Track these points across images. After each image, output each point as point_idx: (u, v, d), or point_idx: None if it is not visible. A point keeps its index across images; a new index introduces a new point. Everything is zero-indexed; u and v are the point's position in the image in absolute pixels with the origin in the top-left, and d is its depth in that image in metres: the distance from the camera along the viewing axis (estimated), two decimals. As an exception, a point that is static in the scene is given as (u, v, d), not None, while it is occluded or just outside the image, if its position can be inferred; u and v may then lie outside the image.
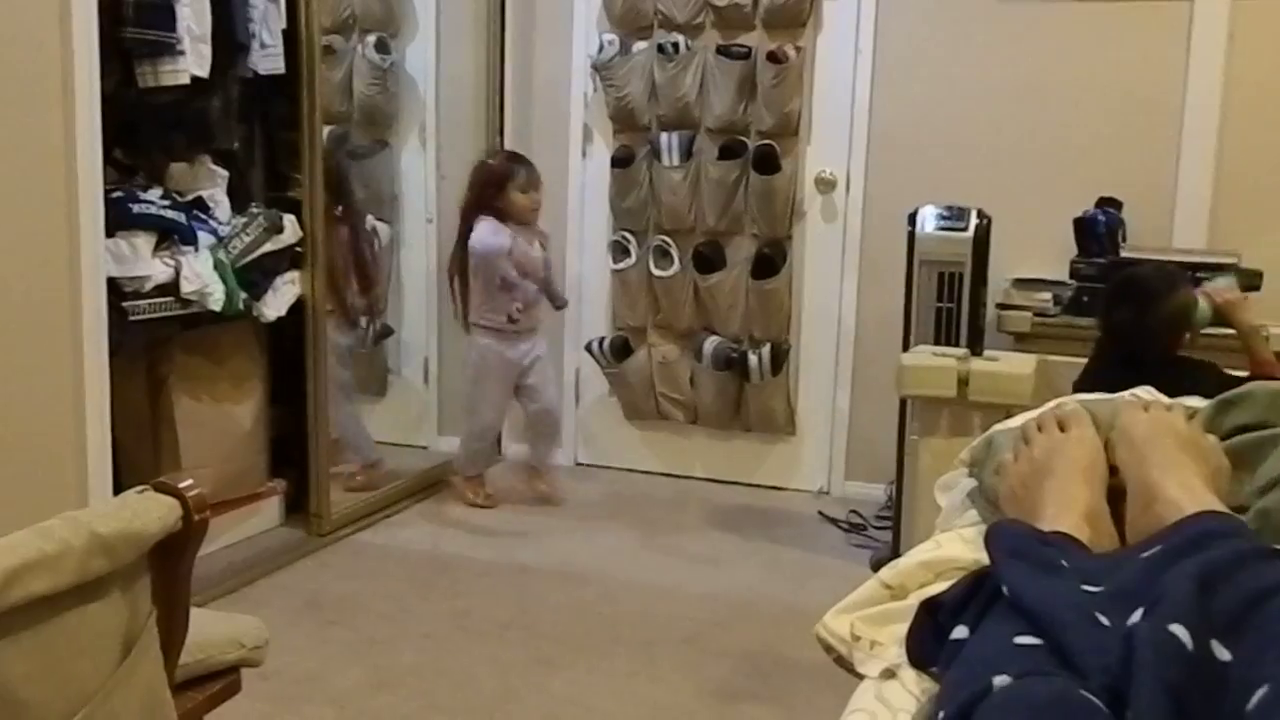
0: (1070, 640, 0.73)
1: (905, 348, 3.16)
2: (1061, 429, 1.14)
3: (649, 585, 3.24)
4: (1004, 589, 0.81)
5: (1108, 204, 3.43)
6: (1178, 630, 0.68)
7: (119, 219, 2.80)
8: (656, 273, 4.15)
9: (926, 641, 0.90)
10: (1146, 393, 1.27)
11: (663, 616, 3.02)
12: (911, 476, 2.29)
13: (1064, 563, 0.85)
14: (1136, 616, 0.72)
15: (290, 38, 3.24)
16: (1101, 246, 3.27)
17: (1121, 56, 3.65)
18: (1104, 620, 0.74)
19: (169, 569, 1.37)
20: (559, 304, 4.02)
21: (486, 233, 3.68)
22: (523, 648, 2.80)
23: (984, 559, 0.95)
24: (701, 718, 2.51)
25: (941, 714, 0.74)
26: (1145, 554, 0.83)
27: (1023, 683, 0.70)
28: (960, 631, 0.85)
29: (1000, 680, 0.71)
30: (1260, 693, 0.65)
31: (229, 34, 3.04)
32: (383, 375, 4.51)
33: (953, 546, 1.08)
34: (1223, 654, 0.69)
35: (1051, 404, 1.24)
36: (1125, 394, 1.26)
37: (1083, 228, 3.35)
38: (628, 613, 3.05)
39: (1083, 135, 3.68)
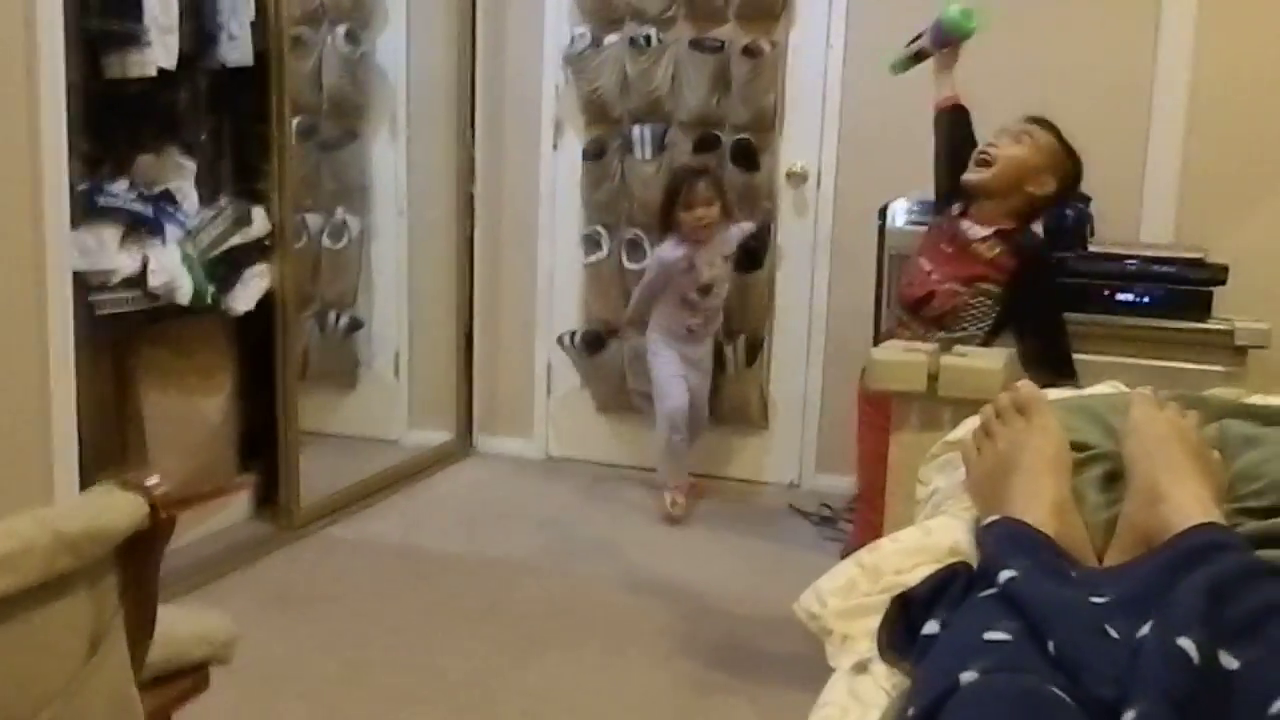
0: (1082, 654, 0.72)
1: (875, 341, 3.17)
2: (1021, 413, 1.14)
3: (620, 578, 3.24)
4: (1007, 592, 0.80)
5: (1076, 198, 3.44)
6: (1185, 644, 0.69)
7: (85, 211, 2.77)
8: (629, 266, 4.14)
9: (899, 636, 0.91)
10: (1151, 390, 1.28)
11: (634, 609, 3.02)
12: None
13: (1073, 572, 0.85)
14: (1145, 630, 0.72)
15: (259, 29, 3.21)
16: (1070, 241, 3.29)
17: (1089, 49, 3.67)
18: (1113, 633, 0.74)
19: (136, 567, 1.36)
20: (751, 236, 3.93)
21: (663, 251, 3.75)
22: (494, 640, 2.79)
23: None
24: (673, 709, 2.51)
25: (911, 711, 0.74)
26: (1152, 563, 0.83)
27: (990, 678, 0.70)
28: (932, 626, 0.86)
29: (968, 676, 0.71)
30: None
31: (197, 25, 3.01)
32: (352, 368, 4.49)
33: (945, 534, 1.08)
34: (1230, 663, 0.69)
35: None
36: (1139, 389, 1.26)
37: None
38: (599, 605, 3.05)
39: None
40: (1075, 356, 2.65)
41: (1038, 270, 2.64)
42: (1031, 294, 2.60)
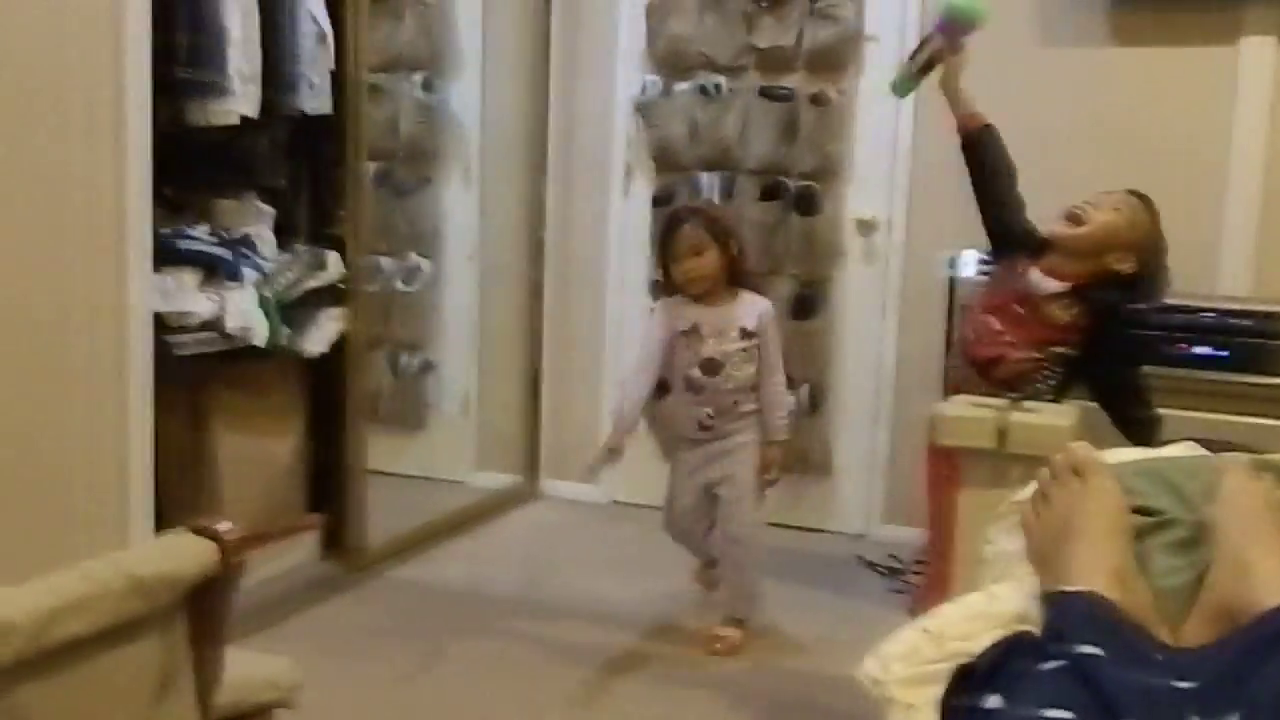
0: None
1: (944, 393, 3.14)
2: (1077, 475, 1.11)
3: (682, 626, 3.22)
4: (1083, 670, 0.78)
5: (1146, 295, 3.39)
6: None
7: (166, 254, 2.85)
8: (695, 312, 4.14)
9: (960, 711, 0.89)
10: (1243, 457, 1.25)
11: (696, 659, 3.00)
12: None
13: (1156, 655, 0.82)
14: None
15: (338, 78, 3.29)
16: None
17: (1165, 103, 3.62)
18: None
19: (205, 612, 1.38)
20: (772, 436, 3.03)
21: (657, 312, 3.06)
22: (557, 689, 2.79)
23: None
24: (734, 765, 2.48)
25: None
26: (1239, 645, 0.81)
27: None
28: (994, 701, 0.84)
29: None
30: None
31: (278, 74, 3.09)
32: (422, 409, 4.54)
33: (1010, 600, 1.06)
34: None
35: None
36: (1232, 455, 1.24)
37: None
38: (662, 655, 3.03)
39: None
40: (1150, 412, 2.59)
41: (1117, 329, 2.58)
42: (1110, 354, 2.53)
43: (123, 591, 1.23)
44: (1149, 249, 2.54)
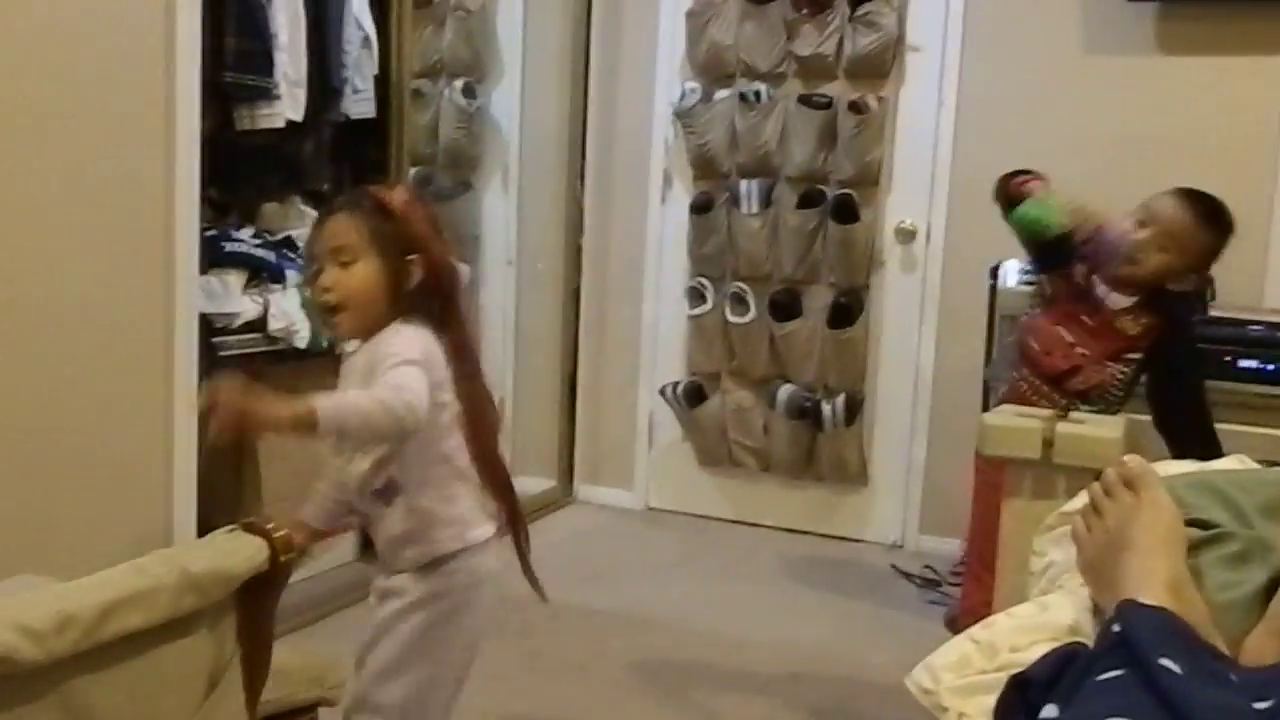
0: None
1: (985, 403, 3.12)
2: (1130, 488, 1.11)
3: (719, 634, 3.22)
4: (1160, 686, 0.76)
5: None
6: None
7: (212, 256, 2.89)
8: (732, 319, 4.15)
9: (1014, 718, 0.89)
10: None
11: (733, 667, 3.00)
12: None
13: (1232, 675, 0.81)
14: None
15: (381, 82, 3.32)
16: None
17: (1212, 113, 3.59)
18: None
19: (255, 608, 1.40)
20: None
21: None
22: (592, 693, 2.79)
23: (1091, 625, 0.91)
24: (770, 773, 2.48)
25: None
26: None
27: None
28: (1050, 711, 0.84)
29: None
30: None
31: (323, 79, 3.12)
32: (458, 414, 4.55)
33: (1062, 611, 1.05)
34: None
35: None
36: None
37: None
38: (697, 662, 3.03)
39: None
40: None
41: (1181, 338, 2.55)
42: (1173, 365, 2.51)
43: (176, 587, 1.25)
44: (1205, 263, 2.50)
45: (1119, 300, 2.50)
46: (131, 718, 1.23)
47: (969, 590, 2.74)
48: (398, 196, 1.78)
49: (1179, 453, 2.20)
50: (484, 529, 1.81)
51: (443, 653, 1.77)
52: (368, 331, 1.74)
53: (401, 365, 1.63)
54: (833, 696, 2.86)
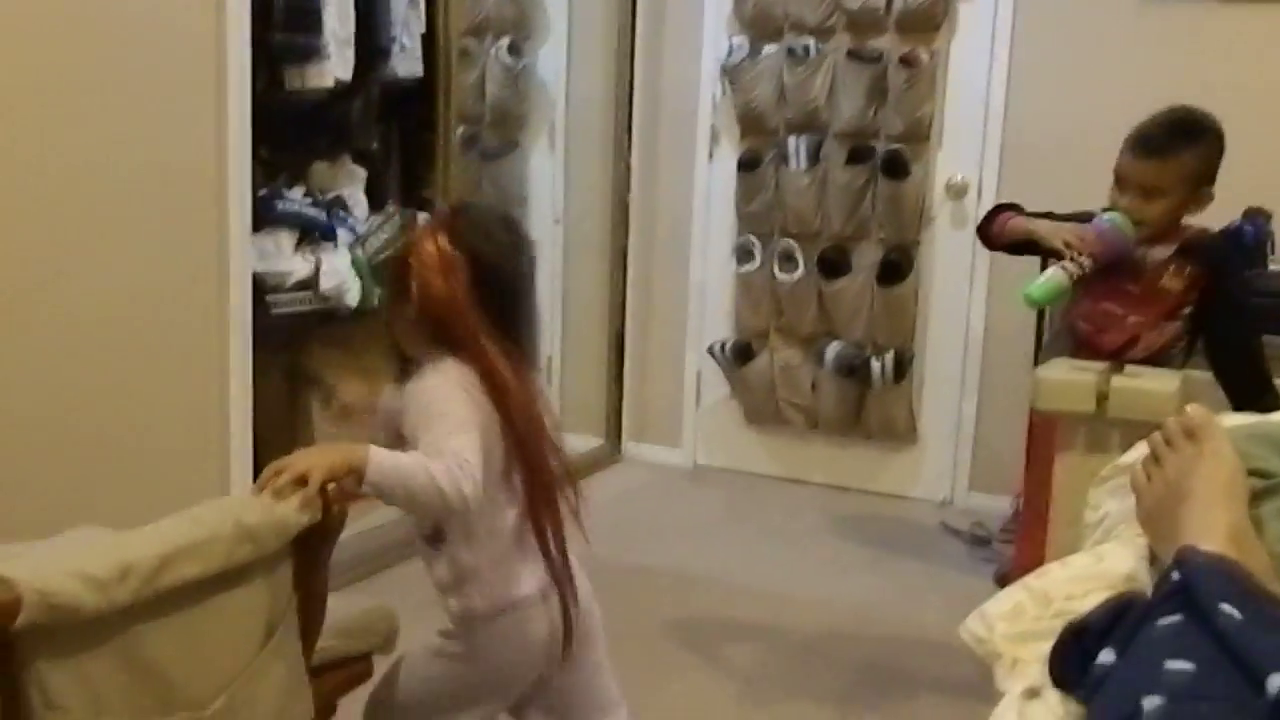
0: None
1: (1036, 359, 3.08)
2: (1190, 438, 1.09)
3: (765, 592, 3.22)
4: (1220, 631, 0.75)
5: (1256, 214, 3.29)
6: None
7: (264, 216, 2.91)
8: (780, 277, 4.12)
9: (1071, 664, 0.88)
10: None
11: (779, 625, 3.00)
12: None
13: None
14: None
15: (428, 41, 3.31)
16: (1249, 260, 3.14)
17: (1270, 60, 3.49)
18: None
19: (309, 558, 1.42)
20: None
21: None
22: (638, 650, 2.81)
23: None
24: (819, 727, 2.49)
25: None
26: None
27: (1178, 704, 0.67)
28: (1107, 655, 0.83)
29: (1150, 702, 0.68)
30: None
31: (371, 38, 3.12)
32: (506, 373, 4.57)
33: (1118, 560, 1.04)
34: None
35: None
36: None
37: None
38: (745, 619, 3.04)
39: (1230, 142, 3.53)
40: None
41: (1227, 285, 2.46)
42: (1222, 313, 2.42)
43: (232, 537, 1.27)
44: (1204, 177, 2.36)
45: (1159, 253, 2.43)
46: (190, 665, 1.26)
47: (1022, 548, 2.72)
48: (421, 229, 1.70)
49: (1237, 404, 2.16)
50: (528, 592, 1.66)
51: (470, 703, 1.69)
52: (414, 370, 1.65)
53: (457, 433, 1.52)
54: (880, 654, 2.86)
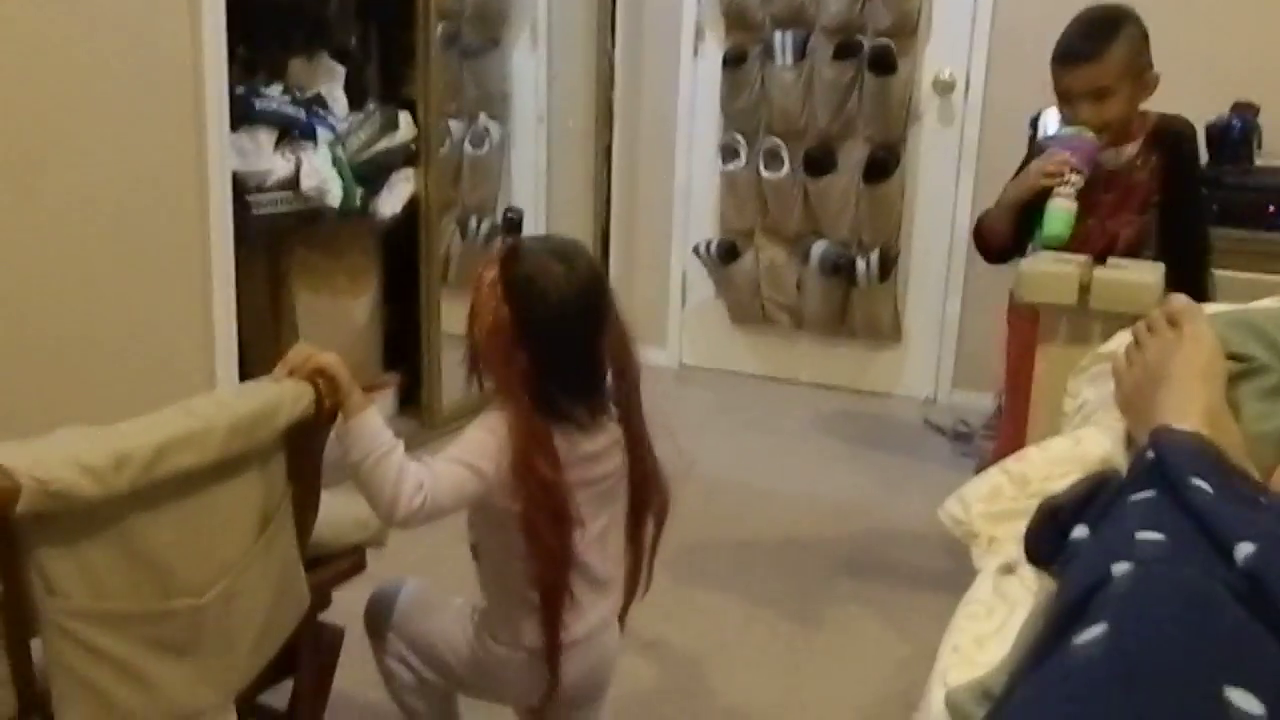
0: (1275, 569, 0.69)
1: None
2: (1173, 325, 1.11)
3: (750, 486, 3.28)
4: (1192, 504, 0.77)
5: (1244, 109, 3.28)
6: None
7: (242, 114, 2.87)
8: (766, 175, 4.10)
9: (1045, 540, 0.91)
10: None
11: (763, 518, 3.06)
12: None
13: (1261, 498, 0.82)
14: None
15: (406, -66, 3.24)
16: (1235, 154, 3.14)
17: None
18: None
19: (302, 450, 1.44)
20: None
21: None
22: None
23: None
24: (800, 616, 2.55)
25: (1059, 602, 0.74)
26: None
27: (1147, 568, 0.69)
28: (1080, 531, 0.86)
29: (1120, 568, 0.70)
30: None
31: (347, -71, 3.05)
32: (492, 274, 4.57)
33: (1095, 443, 1.07)
34: None
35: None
36: None
37: (1216, 134, 3.21)
38: (728, 513, 3.09)
39: (1219, 36, 3.51)
40: (1233, 274, 2.52)
41: (1183, 171, 2.45)
42: (1175, 202, 2.42)
43: (227, 428, 1.28)
44: (1141, 62, 2.33)
45: (1129, 150, 2.42)
46: (187, 553, 1.28)
47: (1002, 443, 2.76)
48: (489, 256, 1.62)
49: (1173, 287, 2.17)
50: (528, 644, 1.62)
51: (444, 671, 1.70)
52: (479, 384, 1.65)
53: (451, 461, 1.53)
54: (864, 546, 2.92)
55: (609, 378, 1.64)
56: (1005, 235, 2.45)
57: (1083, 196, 2.34)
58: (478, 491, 1.53)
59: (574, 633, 1.61)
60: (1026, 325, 2.31)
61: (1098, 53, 2.30)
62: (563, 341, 1.56)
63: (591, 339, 1.59)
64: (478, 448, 1.54)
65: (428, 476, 1.50)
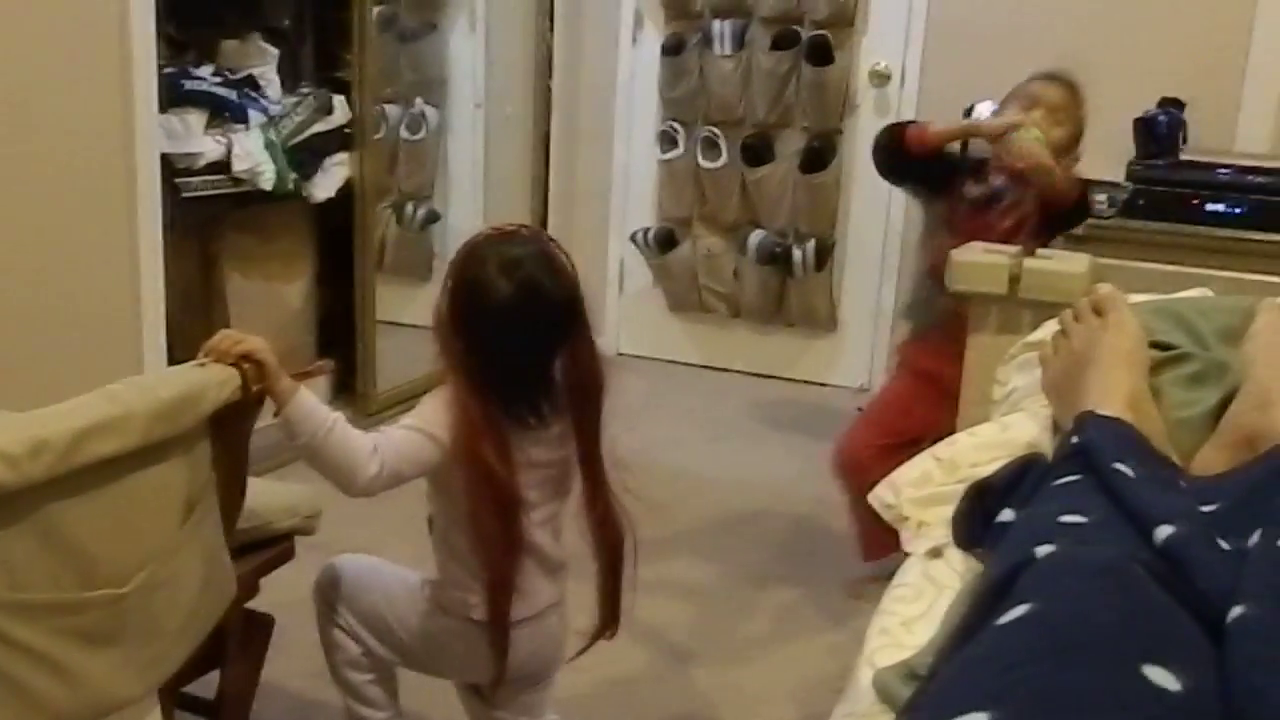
0: (1193, 552, 0.71)
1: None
2: (1098, 314, 1.13)
3: (686, 473, 3.28)
4: (1113, 486, 0.78)
5: (1170, 104, 3.34)
6: None
7: (172, 95, 2.81)
8: (704, 164, 4.11)
9: (973, 524, 0.92)
10: None
11: (698, 504, 3.07)
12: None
13: (1181, 482, 0.84)
14: (1255, 538, 0.71)
15: (341, -86, 3.19)
16: (1161, 148, 3.20)
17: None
18: (1224, 545, 0.73)
19: (228, 436, 1.41)
20: None
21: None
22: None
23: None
24: (733, 600, 2.56)
25: (983, 584, 0.75)
26: (1262, 470, 0.83)
27: (1069, 550, 0.70)
28: (1007, 515, 0.87)
29: (1044, 550, 0.71)
30: None
31: (280, -92, 3.00)
32: (428, 260, 4.53)
33: (1023, 429, 1.08)
34: None
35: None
36: (1270, 299, 1.25)
37: (1143, 128, 3.27)
38: (663, 499, 3.09)
39: (1147, 32, 3.57)
40: (1162, 267, 2.57)
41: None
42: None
43: (149, 414, 1.26)
44: (1081, 130, 2.50)
45: (996, 182, 2.50)
46: (109, 542, 1.25)
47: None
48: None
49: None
50: (475, 618, 1.62)
51: (388, 640, 1.70)
52: None
53: (403, 428, 1.56)
54: (797, 532, 2.94)
55: (562, 393, 1.68)
56: (933, 147, 2.49)
57: (973, 222, 2.43)
58: (434, 459, 1.56)
59: (519, 612, 1.62)
60: (917, 356, 2.36)
61: (1077, 88, 2.49)
62: (500, 353, 1.58)
63: (537, 353, 1.62)
64: (433, 416, 1.57)
65: (380, 439, 1.53)
